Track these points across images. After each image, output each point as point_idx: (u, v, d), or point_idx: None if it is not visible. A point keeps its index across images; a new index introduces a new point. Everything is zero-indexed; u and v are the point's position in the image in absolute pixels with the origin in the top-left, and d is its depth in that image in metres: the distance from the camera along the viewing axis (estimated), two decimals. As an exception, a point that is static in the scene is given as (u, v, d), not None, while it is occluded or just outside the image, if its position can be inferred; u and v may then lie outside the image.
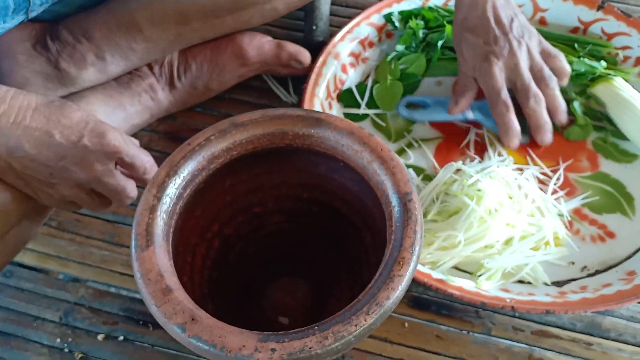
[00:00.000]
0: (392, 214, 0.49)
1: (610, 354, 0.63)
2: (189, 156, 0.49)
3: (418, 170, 0.75)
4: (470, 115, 0.77)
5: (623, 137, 0.76)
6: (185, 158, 0.48)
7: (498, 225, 0.65)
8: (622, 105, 0.75)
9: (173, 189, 0.48)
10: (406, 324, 0.65)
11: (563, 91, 0.75)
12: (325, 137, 0.53)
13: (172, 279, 0.42)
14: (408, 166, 0.75)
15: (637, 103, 0.75)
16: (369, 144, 0.52)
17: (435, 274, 0.63)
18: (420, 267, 0.64)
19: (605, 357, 0.63)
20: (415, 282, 0.61)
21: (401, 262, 0.45)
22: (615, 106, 0.76)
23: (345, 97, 0.81)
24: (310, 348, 0.40)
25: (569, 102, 0.76)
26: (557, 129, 0.76)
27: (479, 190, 0.67)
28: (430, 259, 0.66)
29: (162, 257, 0.43)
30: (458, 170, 0.71)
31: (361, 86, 0.81)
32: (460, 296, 0.60)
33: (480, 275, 0.65)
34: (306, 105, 0.75)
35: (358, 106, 0.80)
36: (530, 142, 0.76)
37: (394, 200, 0.49)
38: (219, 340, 0.38)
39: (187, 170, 0.49)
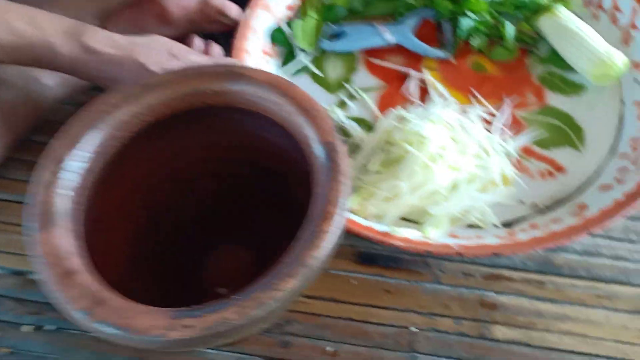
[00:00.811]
0: (317, 166, 0.46)
1: (564, 290, 0.62)
2: (89, 124, 0.45)
3: (360, 122, 0.71)
4: (390, 37, 0.75)
5: (569, 69, 0.73)
6: (84, 127, 0.44)
7: (442, 170, 0.63)
8: (567, 36, 0.72)
9: (77, 163, 0.44)
10: (353, 281, 0.63)
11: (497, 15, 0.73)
12: (245, 92, 0.50)
13: (75, 261, 0.39)
14: (350, 118, 0.71)
15: (582, 33, 0.72)
16: (290, 95, 0.49)
17: (380, 227, 0.60)
18: (364, 221, 0.61)
19: (559, 294, 0.61)
20: (359, 237, 0.59)
21: (327, 217, 0.43)
22: (560, 37, 0.73)
23: (278, 37, 0.76)
24: (230, 320, 0.37)
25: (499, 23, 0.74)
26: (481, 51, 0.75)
27: (421, 136, 0.64)
28: (375, 212, 0.63)
29: (64, 238, 0.39)
30: (401, 118, 0.68)
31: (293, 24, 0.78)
32: (406, 247, 0.58)
33: (427, 224, 0.63)
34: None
35: (289, 47, 0.77)
36: (476, 77, 0.73)
37: (318, 151, 0.46)
38: (126, 322, 0.36)
39: (91, 141, 0.45)
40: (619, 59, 0.69)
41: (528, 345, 0.59)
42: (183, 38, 0.72)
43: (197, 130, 0.54)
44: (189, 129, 0.53)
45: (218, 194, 0.58)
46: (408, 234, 0.60)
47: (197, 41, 0.73)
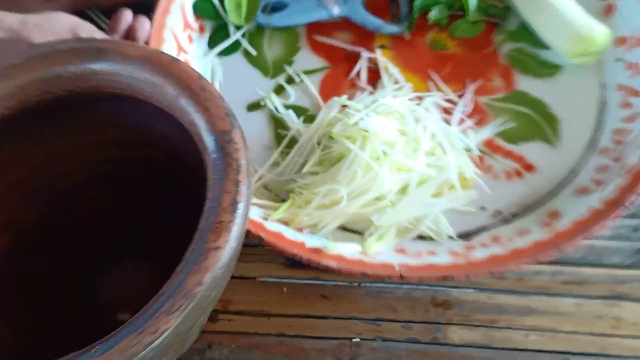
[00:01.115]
0: (208, 163, 0.36)
1: (527, 279, 0.53)
2: None
3: (300, 110, 0.61)
4: (336, 10, 0.64)
5: (543, 46, 0.63)
6: None
7: (389, 171, 0.53)
8: (539, 6, 0.62)
9: None
10: (285, 289, 0.53)
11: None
12: (114, 72, 0.39)
13: None
14: (287, 107, 0.61)
15: (557, 1, 0.61)
16: (172, 73, 0.39)
17: (311, 241, 0.50)
18: (292, 234, 0.51)
19: (521, 283, 0.53)
20: (284, 254, 0.49)
21: (218, 229, 0.33)
22: (531, 7, 0.62)
23: (204, 9, 0.65)
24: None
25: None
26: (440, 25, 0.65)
27: (364, 131, 0.53)
28: (308, 222, 0.53)
29: None
30: (344, 106, 0.58)
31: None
32: (339, 268, 0.48)
33: (370, 236, 0.53)
34: (153, 41, 0.60)
35: (220, 21, 0.65)
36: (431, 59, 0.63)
37: (209, 144, 0.37)
38: None
39: None
40: (600, 33, 0.59)
41: (489, 347, 0.50)
42: (114, 10, 0.61)
43: (72, 127, 0.43)
44: (62, 126, 0.43)
45: (109, 203, 0.48)
46: (344, 250, 0.50)
47: (127, 15, 0.61)
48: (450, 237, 0.53)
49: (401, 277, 0.47)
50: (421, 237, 0.54)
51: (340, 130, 0.54)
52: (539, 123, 0.60)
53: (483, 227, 0.54)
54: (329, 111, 0.57)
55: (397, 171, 0.53)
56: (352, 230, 0.54)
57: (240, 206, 0.35)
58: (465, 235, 0.54)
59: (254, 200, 0.54)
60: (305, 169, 0.54)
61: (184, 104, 0.38)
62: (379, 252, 0.51)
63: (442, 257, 0.50)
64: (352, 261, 0.49)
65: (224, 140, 0.37)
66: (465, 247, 0.52)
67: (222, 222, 0.34)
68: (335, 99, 0.58)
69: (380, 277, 0.48)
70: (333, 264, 0.48)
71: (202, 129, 0.38)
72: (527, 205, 0.55)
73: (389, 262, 0.49)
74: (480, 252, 0.50)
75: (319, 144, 0.56)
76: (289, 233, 0.51)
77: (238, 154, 0.36)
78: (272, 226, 0.51)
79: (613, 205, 0.50)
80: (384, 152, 0.53)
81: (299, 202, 0.53)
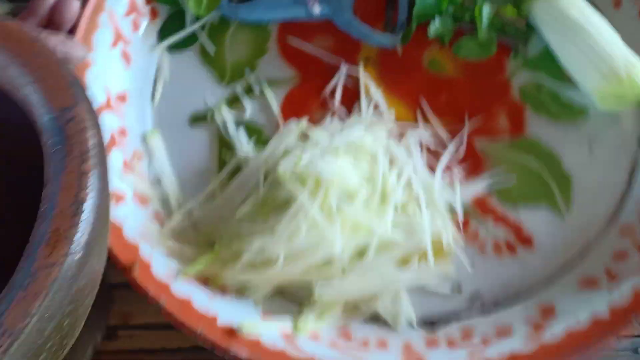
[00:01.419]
0: (46, 150, 0.28)
1: None
2: None
3: (253, 130, 0.49)
4: (317, 9, 0.51)
5: (568, 82, 0.50)
6: None
7: (341, 230, 0.41)
8: (569, 31, 0.48)
9: None
10: None
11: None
12: None
13: None
14: (239, 124, 0.49)
15: (591, 28, 0.48)
16: None
17: (227, 314, 0.39)
18: (206, 300, 0.40)
19: None
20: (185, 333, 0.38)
21: (52, 241, 0.26)
22: (560, 32, 0.49)
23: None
24: None
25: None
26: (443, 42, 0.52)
27: (318, 175, 0.42)
28: (234, 283, 0.42)
29: None
30: (303, 136, 0.46)
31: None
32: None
33: (308, 311, 0.42)
34: (83, 26, 0.48)
35: (176, 6, 0.54)
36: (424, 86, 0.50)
37: (45, 124, 0.28)
38: None
39: None
40: None
41: None
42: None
43: None
44: None
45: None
46: (266, 332, 0.39)
47: None
48: (410, 325, 0.42)
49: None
50: (374, 319, 0.43)
51: (289, 168, 0.42)
52: (548, 183, 0.47)
53: (455, 314, 0.43)
54: (283, 137, 0.46)
55: (352, 231, 0.42)
56: (291, 297, 0.43)
57: (87, 206, 0.26)
58: (430, 323, 0.42)
59: (171, 245, 0.43)
60: (238, 213, 0.43)
61: (14, 75, 0.29)
62: (313, 338, 0.40)
63: (390, 355, 0.39)
64: (271, 352, 0.38)
65: (64, 119, 0.28)
66: (426, 343, 0.41)
67: (58, 231, 0.26)
68: (294, 123, 0.46)
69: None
70: (244, 353, 0.37)
71: (36, 106, 0.28)
72: (515, 291, 0.43)
73: (317, 357, 0.38)
74: (440, 356, 0.39)
75: (265, 179, 0.45)
76: (201, 299, 0.40)
77: (83, 136, 0.28)
78: (182, 288, 0.40)
79: (622, 316, 0.38)
80: (339, 204, 0.41)
81: (225, 255, 0.42)
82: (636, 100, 0.47)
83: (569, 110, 0.50)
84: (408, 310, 0.42)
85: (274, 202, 0.44)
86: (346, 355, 0.38)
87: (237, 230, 0.43)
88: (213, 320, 0.39)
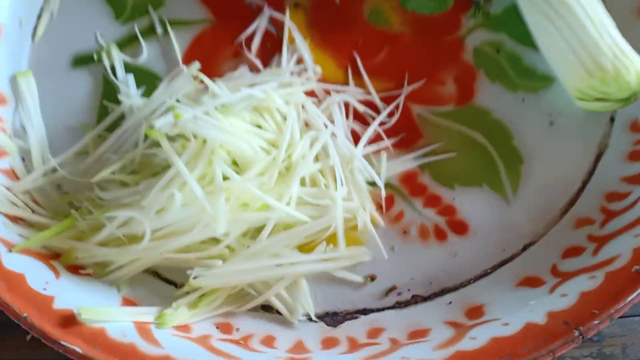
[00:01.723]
0: None
1: None
2: None
3: (146, 77, 0.41)
4: None
5: (532, 46, 0.42)
6: None
7: (225, 205, 0.33)
8: (550, 8, 0.39)
9: None
10: None
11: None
12: None
13: None
14: (131, 69, 0.41)
15: (579, 6, 0.39)
16: None
17: (67, 298, 0.32)
18: (44, 277, 0.32)
19: None
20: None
21: None
22: (539, 8, 0.40)
23: None
24: None
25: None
26: None
27: (201, 136, 0.34)
28: (89, 260, 0.34)
29: None
30: (197, 90, 0.38)
31: None
32: (85, 357, 0.29)
33: (180, 298, 0.34)
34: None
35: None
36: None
37: None
38: None
39: None
40: (634, 68, 0.37)
41: None
42: None
43: None
44: None
45: None
46: (115, 322, 0.31)
47: None
48: (308, 317, 0.34)
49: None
50: (265, 309, 0.35)
51: (167, 126, 0.34)
52: (494, 161, 0.39)
53: (363, 307, 0.35)
54: (174, 87, 0.38)
55: (242, 207, 0.34)
56: (167, 278, 0.36)
57: None
58: (332, 317, 0.35)
59: (18, 208, 0.35)
60: (103, 174, 0.35)
61: None
62: (181, 330, 0.32)
63: (269, 355, 0.31)
64: (114, 346, 0.30)
65: None
66: (322, 341, 0.33)
67: None
68: (184, 67, 0.38)
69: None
70: (78, 348, 0.29)
71: None
72: (439, 286, 0.36)
73: (179, 358, 0.30)
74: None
75: (146, 137, 0.37)
76: (38, 277, 0.32)
77: None
78: (16, 261, 0.32)
79: (561, 324, 0.31)
80: (226, 174, 0.34)
81: (83, 225, 0.35)
82: (622, 102, 0.38)
83: (530, 78, 0.42)
84: (306, 301, 0.35)
85: (151, 167, 0.36)
86: (214, 353, 0.31)
87: (105, 196, 0.35)
88: (47, 303, 0.31)
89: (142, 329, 0.31)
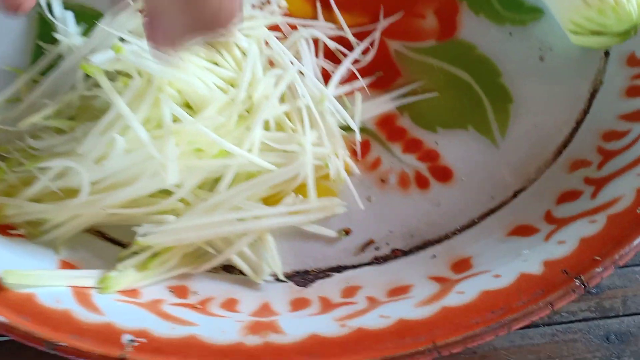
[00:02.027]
0: None
1: None
2: None
3: (88, 15, 0.36)
4: None
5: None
6: None
7: (179, 152, 0.29)
8: None
9: None
10: None
11: None
12: None
13: None
14: (69, 6, 0.36)
15: None
16: None
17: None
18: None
19: None
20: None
21: None
22: None
23: None
24: None
25: None
26: None
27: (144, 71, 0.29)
28: (21, 217, 0.30)
29: None
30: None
31: None
32: (9, 327, 0.25)
33: (126, 260, 0.30)
34: None
35: None
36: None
37: None
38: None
39: None
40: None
41: None
42: None
43: None
44: None
45: None
46: (46, 287, 0.27)
47: None
48: (276, 278, 0.31)
49: (124, 360, 0.25)
50: (227, 269, 0.31)
51: (107, 62, 0.30)
52: (480, 100, 0.35)
53: (337, 264, 0.31)
54: (115, 21, 0.33)
55: (195, 154, 0.30)
56: (114, 239, 0.31)
57: None
58: (303, 276, 0.31)
59: None
60: (33, 119, 0.31)
61: None
62: (128, 295, 0.28)
63: (231, 320, 0.28)
64: (45, 313, 0.26)
65: None
66: (291, 303, 0.29)
67: None
68: (130, 0, 0.34)
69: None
70: (2, 317, 0.25)
71: None
72: (422, 239, 0.32)
73: (122, 326, 0.26)
74: (303, 322, 0.27)
75: (88, 77, 0.32)
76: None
77: None
78: None
79: (560, 274, 0.27)
80: (177, 117, 0.29)
81: (12, 179, 0.30)
82: (621, 37, 0.34)
83: (517, 10, 0.38)
84: (273, 259, 0.31)
85: (91, 112, 0.31)
86: (165, 319, 0.27)
87: (38, 145, 0.31)
88: None
89: (80, 294, 0.27)
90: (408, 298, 0.28)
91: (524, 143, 0.35)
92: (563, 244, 0.29)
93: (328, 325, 0.27)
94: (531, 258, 0.28)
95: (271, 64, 0.34)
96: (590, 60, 0.37)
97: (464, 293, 0.27)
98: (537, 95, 0.36)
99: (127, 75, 0.30)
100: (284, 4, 0.37)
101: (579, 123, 0.35)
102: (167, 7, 0.22)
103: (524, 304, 0.26)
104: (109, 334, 0.25)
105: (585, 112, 0.35)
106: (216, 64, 0.32)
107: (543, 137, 0.35)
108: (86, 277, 0.28)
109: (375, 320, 0.27)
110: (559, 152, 0.34)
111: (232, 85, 0.32)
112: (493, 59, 0.36)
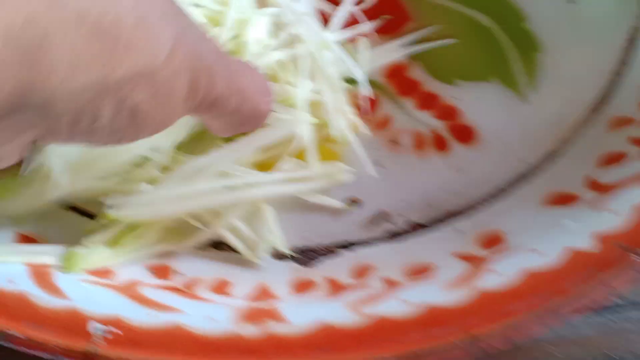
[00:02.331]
0: None
1: None
2: None
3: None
4: None
5: None
6: None
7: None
8: None
9: None
10: None
11: None
12: None
13: None
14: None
15: None
16: None
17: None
18: None
19: None
20: None
21: None
22: None
23: None
24: None
25: None
26: None
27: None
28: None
29: None
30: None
31: None
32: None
33: (94, 235, 0.25)
34: None
35: None
36: None
37: None
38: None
39: None
40: None
41: None
42: None
43: None
44: None
45: None
46: (4, 263, 0.22)
47: None
48: (275, 256, 0.26)
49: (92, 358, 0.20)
50: (218, 246, 0.26)
51: None
52: (503, 48, 0.31)
53: (345, 240, 0.27)
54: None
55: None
56: (86, 211, 0.26)
57: None
58: (306, 254, 0.26)
59: None
60: None
61: None
62: (99, 275, 0.23)
63: (221, 306, 0.23)
64: (1, 301, 0.21)
65: None
66: (294, 284, 0.25)
67: None
68: None
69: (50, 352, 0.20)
70: None
71: None
72: (442, 209, 0.27)
73: (90, 312, 0.21)
74: (311, 309, 0.23)
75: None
76: None
77: None
78: None
79: (618, 248, 0.23)
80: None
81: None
82: None
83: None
84: (272, 234, 0.26)
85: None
86: (141, 304, 0.22)
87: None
88: None
89: (40, 273, 0.22)
90: (434, 279, 0.24)
91: (555, 97, 0.30)
92: (614, 214, 0.24)
93: (339, 313, 0.22)
94: (577, 231, 0.24)
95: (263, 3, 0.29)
96: (628, 3, 0.32)
97: (501, 274, 0.23)
98: (567, 43, 0.31)
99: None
100: None
101: (616, 75, 0.31)
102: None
103: (575, 285, 0.22)
104: (73, 322, 0.20)
105: (623, 62, 0.31)
106: None
107: (577, 91, 0.30)
108: (47, 254, 0.23)
109: (396, 306, 0.22)
110: (595, 108, 0.30)
111: (215, 24, 0.27)
112: (516, 1, 0.32)
